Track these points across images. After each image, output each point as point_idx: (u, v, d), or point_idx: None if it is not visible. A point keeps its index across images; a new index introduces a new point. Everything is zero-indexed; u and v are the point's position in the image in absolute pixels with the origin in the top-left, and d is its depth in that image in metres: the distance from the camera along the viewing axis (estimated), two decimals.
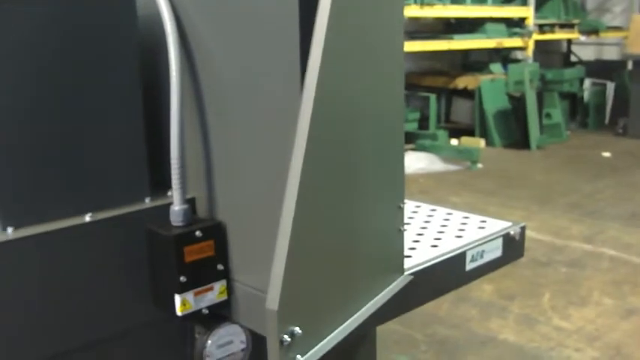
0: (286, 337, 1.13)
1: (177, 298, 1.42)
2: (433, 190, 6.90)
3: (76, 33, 1.39)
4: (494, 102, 9.30)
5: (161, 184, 1.55)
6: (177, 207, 1.45)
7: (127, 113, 1.49)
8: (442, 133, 8.70)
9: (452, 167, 8.00)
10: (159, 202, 1.51)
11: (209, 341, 1.52)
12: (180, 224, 1.45)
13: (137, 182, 1.52)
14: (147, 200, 1.53)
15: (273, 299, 1.11)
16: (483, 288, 4.31)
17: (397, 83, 1.43)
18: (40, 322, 1.36)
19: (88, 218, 1.42)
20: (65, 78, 1.39)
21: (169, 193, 1.56)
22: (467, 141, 8.99)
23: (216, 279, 1.48)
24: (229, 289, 1.50)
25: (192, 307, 1.44)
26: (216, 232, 1.46)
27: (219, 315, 1.50)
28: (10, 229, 1.35)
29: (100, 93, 1.44)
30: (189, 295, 1.44)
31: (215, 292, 1.48)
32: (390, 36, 1.40)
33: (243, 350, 1.58)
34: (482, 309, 4.07)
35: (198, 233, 1.44)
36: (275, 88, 1.31)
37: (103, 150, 1.46)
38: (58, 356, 1.40)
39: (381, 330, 1.97)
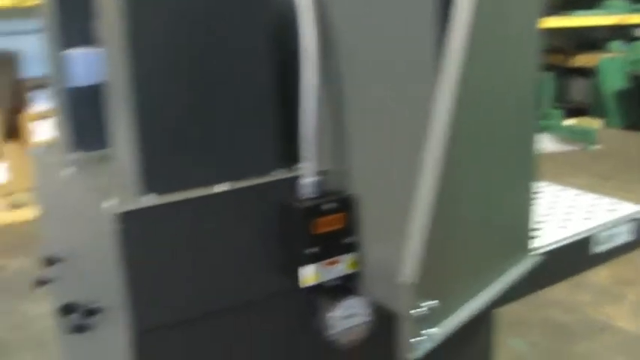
0: (419, 311, 1.13)
1: (306, 270, 1.45)
2: (547, 170, 6.68)
3: None
4: (613, 81, 8.90)
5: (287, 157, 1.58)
6: (308, 179, 1.47)
7: (258, 81, 1.51)
8: (557, 113, 8.40)
9: (567, 148, 7.73)
10: (289, 174, 1.54)
11: (334, 313, 1.54)
12: (311, 196, 1.47)
13: (268, 153, 1.55)
14: (277, 172, 1.55)
15: (408, 272, 1.11)
16: (599, 273, 4.16)
17: (532, 60, 1.39)
18: (170, 289, 1.41)
19: (224, 187, 1.46)
20: (202, 40, 1.43)
21: (297, 166, 1.58)
22: (583, 121, 8.65)
23: (346, 252, 1.49)
24: (357, 262, 1.51)
25: (320, 278, 1.47)
26: (347, 205, 1.48)
27: (345, 287, 1.52)
28: (153, 195, 1.41)
29: (231, 58, 1.47)
30: (318, 267, 1.46)
31: (343, 265, 1.49)
32: (528, 14, 1.36)
33: (366, 323, 1.59)
34: (598, 294, 3.94)
35: (329, 205, 1.45)
36: (414, 61, 1.30)
37: (237, 118, 1.50)
38: (185, 322, 1.45)
39: (494, 312, 1.94)
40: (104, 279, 1.47)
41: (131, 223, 1.35)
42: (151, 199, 1.40)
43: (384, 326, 1.37)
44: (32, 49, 5.58)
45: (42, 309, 3.62)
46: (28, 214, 5.06)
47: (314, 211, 1.44)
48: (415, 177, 1.17)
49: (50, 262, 1.86)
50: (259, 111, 1.53)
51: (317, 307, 1.56)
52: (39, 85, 5.41)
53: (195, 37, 1.42)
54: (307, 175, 1.47)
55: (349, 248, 1.50)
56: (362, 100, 1.44)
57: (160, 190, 1.42)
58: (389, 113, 1.38)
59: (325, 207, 1.45)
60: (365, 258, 1.50)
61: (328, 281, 1.49)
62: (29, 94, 5.35)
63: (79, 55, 1.67)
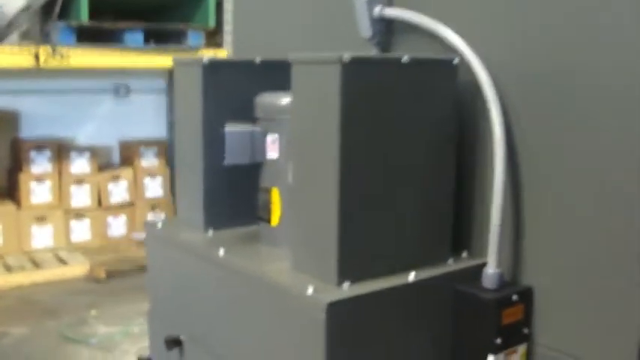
0: None
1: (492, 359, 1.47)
2: None
3: (412, 90, 1.49)
4: None
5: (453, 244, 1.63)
6: (491, 270, 1.51)
7: (443, 171, 1.57)
8: None
9: None
10: (464, 264, 1.57)
11: None
12: (494, 287, 1.50)
13: (445, 242, 1.59)
14: (450, 261, 1.59)
15: None
16: None
17: None
18: None
19: (411, 278, 1.48)
20: (400, 131, 1.48)
21: (462, 255, 1.62)
22: None
23: (523, 342, 1.52)
24: (529, 352, 1.54)
25: None
26: (527, 297, 1.51)
27: None
28: (346, 284, 1.41)
29: (421, 148, 1.53)
30: (501, 357, 1.48)
31: (518, 355, 1.52)
32: None
33: None
34: None
35: (514, 297, 1.49)
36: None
37: (425, 208, 1.54)
38: None
39: None
40: None
41: (338, 313, 1.35)
42: (351, 288, 1.40)
43: None
44: (32, 108, 5.51)
45: None
46: (22, 278, 4.88)
47: (504, 302, 1.47)
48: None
49: (175, 343, 1.82)
50: (444, 201, 1.57)
51: None
52: (38, 145, 5.31)
53: (393, 136, 1.47)
54: (491, 267, 1.51)
55: (525, 338, 1.52)
56: (539, 195, 1.51)
57: (356, 279, 1.43)
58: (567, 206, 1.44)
59: (511, 298, 1.49)
60: (538, 348, 1.52)
61: None
62: (28, 154, 5.23)
63: (236, 132, 1.67)
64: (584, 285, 1.44)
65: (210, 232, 1.80)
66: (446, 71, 1.55)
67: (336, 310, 1.34)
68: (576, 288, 1.46)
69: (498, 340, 1.47)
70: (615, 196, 1.38)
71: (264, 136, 1.67)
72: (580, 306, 1.46)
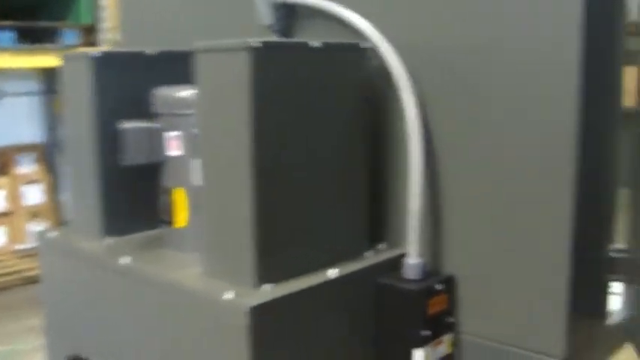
0: None
1: (419, 353, 1.42)
2: None
3: (323, 77, 1.42)
4: None
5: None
6: (412, 260, 1.46)
7: (356, 162, 1.51)
8: None
9: None
10: (384, 256, 1.52)
11: None
12: (417, 278, 1.46)
13: (361, 235, 1.53)
14: (368, 254, 1.53)
15: None
16: None
17: None
18: None
19: (334, 274, 1.41)
20: (312, 131, 1.41)
21: (379, 247, 1.57)
22: None
23: (448, 331, 1.49)
24: (454, 342, 1.51)
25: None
26: (450, 285, 1.48)
27: None
28: (266, 286, 1.33)
29: (334, 139, 1.46)
30: (429, 348, 1.44)
31: (445, 345, 1.49)
32: None
33: None
34: None
35: (438, 286, 1.45)
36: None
37: (336, 202, 1.47)
38: None
39: None
40: None
41: (261, 317, 1.26)
42: (272, 290, 1.32)
43: None
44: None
45: None
46: None
47: (428, 292, 1.43)
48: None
49: None
50: (359, 193, 1.51)
51: None
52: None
53: (306, 128, 1.39)
54: (412, 256, 1.46)
55: (450, 327, 1.49)
56: (458, 186, 1.48)
57: (275, 280, 1.34)
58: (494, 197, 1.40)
59: (435, 288, 1.45)
60: (463, 337, 1.50)
61: None
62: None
63: (134, 130, 1.55)
64: (504, 270, 1.42)
65: (110, 239, 1.66)
66: (355, 56, 1.49)
67: (259, 313, 1.25)
68: (496, 274, 1.44)
69: (426, 332, 1.43)
70: (527, 182, 1.37)
71: (164, 132, 1.55)
72: (500, 291, 1.44)
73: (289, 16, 1.70)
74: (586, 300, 1.40)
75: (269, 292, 1.31)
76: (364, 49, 1.49)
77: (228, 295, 1.29)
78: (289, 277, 1.37)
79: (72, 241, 1.69)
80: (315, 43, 1.39)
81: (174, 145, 1.54)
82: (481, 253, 1.46)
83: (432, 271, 1.52)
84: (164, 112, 1.56)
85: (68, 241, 1.70)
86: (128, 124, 1.54)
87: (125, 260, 1.51)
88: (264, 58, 1.28)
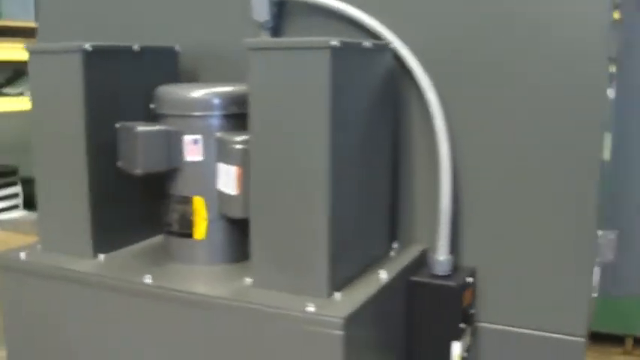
0: None
1: (457, 345, 1.47)
2: None
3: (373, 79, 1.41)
4: None
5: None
6: (442, 257, 1.50)
7: (389, 163, 1.53)
8: None
9: None
10: (412, 254, 1.54)
11: None
12: (447, 273, 1.50)
13: (387, 235, 1.54)
14: (392, 253, 1.54)
15: None
16: None
17: None
18: None
19: (383, 276, 1.40)
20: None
21: (394, 246, 1.59)
22: None
23: (471, 323, 1.55)
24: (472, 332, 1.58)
25: (464, 353, 1.50)
26: (475, 278, 1.55)
27: None
28: (337, 295, 1.29)
29: (379, 137, 1.46)
30: (465, 341, 1.50)
31: (467, 336, 1.55)
32: None
33: None
34: None
35: (469, 279, 1.51)
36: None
37: (376, 201, 1.47)
38: None
39: None
40: None
41: (352, 326, 1.22)
42: (345, 298, 1.28)
43: None
44: None
45: None
46: None
47: (464, 286, 1.48)
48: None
49: None
50: (388, 193, 1.52)
51: None
52: None
53: (364, 126, 1.37)
54: (442, 253, 1.50)
55: (473, 319, 1.56)
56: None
57: (340, 287, 1.31)
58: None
59: (468, 282, 1.50)
60: (480, 326, 1.57)
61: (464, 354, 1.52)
62: None
63: (152, 133, 1.40)
64: (526, 258, 1.52)
65: (102, 257, 1.48)
66: (386, 55, 1.48)
67: (350, 323, 1.21)
68: (518, 262, 1.53)
69: (462, 325, 1.48)
70: (549, 174, 1.47)
71: (182, 136, 1.42)
72: (516, 280, 1.53)
73: (280, 14, 1.64)
74: None
75: (344, 300, 1.27)
76: (392, 49, 1.49)
77: (310, 308, 1.23)
78: (348, 283, 1.34)
79: (55, 263, 1.47)
80: (367, 43, 1.37)
81: (192, 150, 1.42)
82: (503, 243, 1.53)
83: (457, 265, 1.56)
84: (177, 113, 1.42)
85: (49, 262, 1.47)
86: (142, 127, 1.39)
87: (147, 279, 1.36)
88: (341, 56, 1.24)
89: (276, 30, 1.64)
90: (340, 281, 1.31)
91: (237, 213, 1.38)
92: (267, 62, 1.26)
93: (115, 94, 1.49)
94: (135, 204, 1.54)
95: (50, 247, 1.52)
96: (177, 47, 1.65)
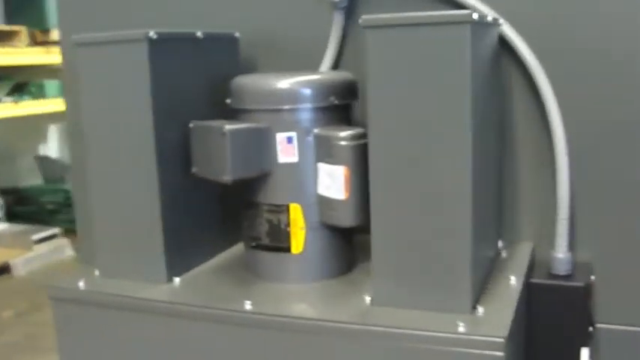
0: None
1: (586, 352, 1.32)
2: None
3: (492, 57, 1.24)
4: None
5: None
6: (562, 254, 1.35)
7: (498, 154, 1.36)
8: None
9: None
10: (522, 255, 1.38)
11: None
12: (568, 272, 1.35)
13: (497, 233, 1.37)
14: (504, 253, 1.38)
15: None
16: None
17: None
18: None
19: (514, 283, 1.23)
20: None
21: (499, 244, 1.43)
22: None
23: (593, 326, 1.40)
24: None
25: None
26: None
27: None
28: (480, 309, 1.12)
29: (495, 123, 1.31)
30: (592, 346, 1.34)
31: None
32: None
33: None
34: None
35: (592, 278, 1.35)
36: None
37: (494, 202, 1.30)
38: None
39: None
40: None
41: (508, 344, 1.05)
42: (489, 312, 1.11)
43: None
44: None
45: None
46: None
47: (590, 285, 1.33)
48: None
49: None
50: (497, 192, 1.36)
51: None
52: None
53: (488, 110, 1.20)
54: (562, 251, 1.35)
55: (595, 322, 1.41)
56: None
57: (477, 299, 1.14)
58: None
59: (592, 281, 1.35)
60: None
61: None
62: None
63: (243, 132, 1.19)
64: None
65: (177, 281, 1.27)
66: (494, 32, 1.31)
67: (508, 342, 1.04)
68: (630, 257, 1.38)
69: (591, 329, 1.33)
70: None
71: (274, 134, 1.22)
72: (629, 276, 1.38)
73: None
74: None
75: (490, 314, 1.10)
76: (497, 25, 1.32)
77: (461, 328, 1.05)
78: (481, 294, 1.17)
79: (126, 292, 1.24)
80: (489, 18, 1.19)
81: (288, 150, 1.21)
82: (621, 235, 1.38)
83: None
84: (265, 107, 1.21)
85: (118, 291, 1.25)
86: (230, 126, 1.17)
87: (247, 306, 1.15)
88: (474, 33, 1.05)
89: (349, 10, 1.45)
90: (477, 292, 1.14)
91: (346, 221, 1.18)
92: (393, 42, 1.06)
93: (180, 89, 1.27)
94: (208, 216, 1.34)
95: (111, 273, 1.30)
96: (236, 34, 1.43)
